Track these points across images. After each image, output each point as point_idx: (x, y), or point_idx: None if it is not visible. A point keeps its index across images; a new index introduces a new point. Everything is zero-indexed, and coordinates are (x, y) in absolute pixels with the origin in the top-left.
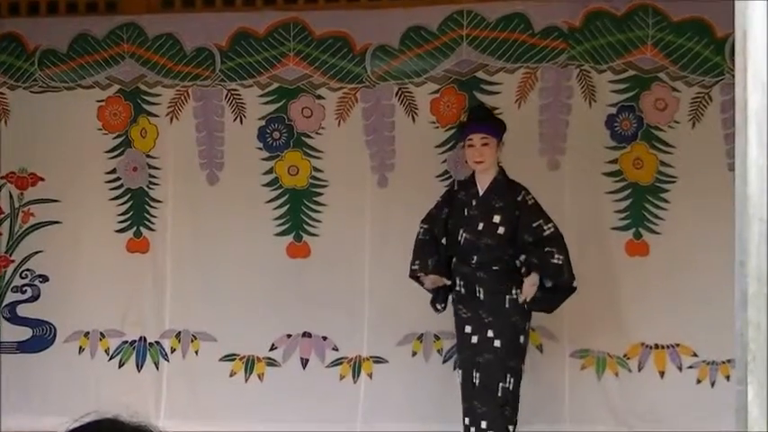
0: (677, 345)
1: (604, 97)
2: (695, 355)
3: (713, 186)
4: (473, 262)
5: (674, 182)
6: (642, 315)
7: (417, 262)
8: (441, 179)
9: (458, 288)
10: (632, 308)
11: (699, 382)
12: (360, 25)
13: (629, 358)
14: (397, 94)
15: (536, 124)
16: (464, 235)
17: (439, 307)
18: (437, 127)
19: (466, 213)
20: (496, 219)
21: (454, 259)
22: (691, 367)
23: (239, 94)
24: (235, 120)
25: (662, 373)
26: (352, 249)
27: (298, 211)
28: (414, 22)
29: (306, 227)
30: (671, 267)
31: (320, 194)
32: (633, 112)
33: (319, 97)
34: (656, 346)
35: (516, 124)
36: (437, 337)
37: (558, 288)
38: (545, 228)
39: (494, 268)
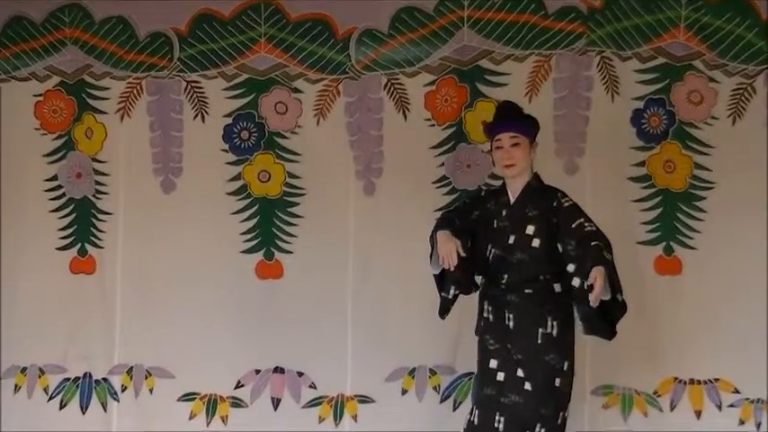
0: (716, 380)
1: (630, 89)
2: (737, 391)
3: (757, 193)
4: (503, 282)
5: (711, 188)
6: (675, 345)
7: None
8: (437, 186)
9: (485, 314)
10: (663, 336)
11: (742, 423)
12: (343, 6)
13: (659, 395)
14: (386, 87)
15: (550, 121)
16: (493, 251)
17: (450, 294)
18: (433, 125)
19: (495, 225)
20: (530, 230)
21: (482, 280)
22: (732, 406)
23: (201, 88)
24: (196, 117)
25: (698, 413)
26: (333, 269)
27: (269, 224)
28: (406, 2)
29: (278, 243)
30: (708, 288)
31: (295, 204)
32: (663, 107)
33: (295, 90)
34: (692, 382)
35: None
36: (433, 372)
37: (613, 303)
38: (586, 225)
39: (526, 291)
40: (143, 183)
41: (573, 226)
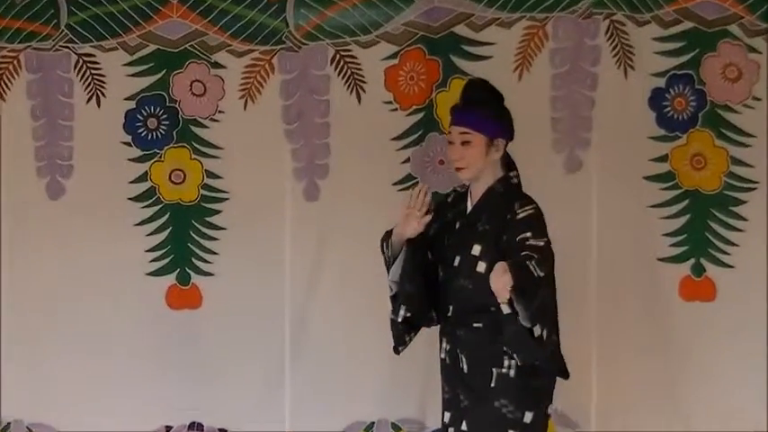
0: None
1: (648, 63)
2: None
3: None
4: (449, 314)
5: (752, 189)
6: (706, 390)
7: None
8: (400, 188)
9: (442, 355)
10: (691, 379)
11: None
12: None
13: None
14: (334, 61)
15: (546, 104)
16: (441, 274)
17: (400, 316)
18: (395, 109)
19: (446, 242)
20: (476, 250)
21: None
22: None
23: (96, 63)
24: (89, 100)
25: None
26: (266, 297)
27: (184, 238)
28: None
29: (196, 263)
30: (748, 318)
31: (217, 213)
32: (691, 85)
33: (216, 65)
34: None
35: (517, 105)
36: (397, 428)
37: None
38: (531, 240)
39: (475, 325)
40: (23, 185)
41: (516, 240)
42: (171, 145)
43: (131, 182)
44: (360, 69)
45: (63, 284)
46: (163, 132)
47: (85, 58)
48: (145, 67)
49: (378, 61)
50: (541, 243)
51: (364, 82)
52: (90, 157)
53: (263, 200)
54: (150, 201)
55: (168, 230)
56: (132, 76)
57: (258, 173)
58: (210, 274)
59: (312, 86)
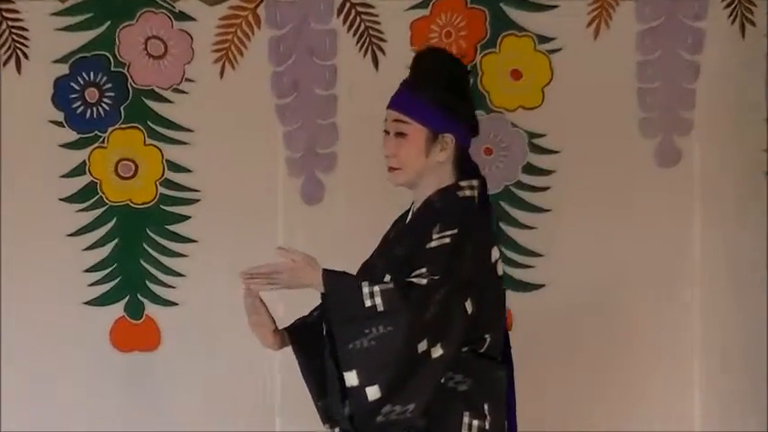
0: None
1: None
2: None
3: None
4: None
5: None
6: None
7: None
8: None
9: None
10: None
11: None
12: None
13: None
14: (342, 11)
15: (632, 73)
16: None
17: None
18: None
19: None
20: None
21: None
22: None
23: (14, 11)
24: (6, 63)
25: None
26: (248, 332)
27: (136, 252)
28: None
29: (152, 287)
30: None
31: (183, 219)
32: None
33: (182, 17)
34: None
35: (593, 73)
36: None
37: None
38: (423, 275)
39: None
40: None
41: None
42: (117, 125)
43: (63, 176)
44: (377, 23)
45: None
46: (106, 108)
47: (2, 9)
48: (82, 17)
49: (402, 12)
50: (424, 281)
51: (383, 40)
52: (6, 141)
53: (246, 202)
54: (89, 202)
55: (114, 243)
56: (64, 30)
57: (240, 165)
58: (173, 304)
59: (312, 46)
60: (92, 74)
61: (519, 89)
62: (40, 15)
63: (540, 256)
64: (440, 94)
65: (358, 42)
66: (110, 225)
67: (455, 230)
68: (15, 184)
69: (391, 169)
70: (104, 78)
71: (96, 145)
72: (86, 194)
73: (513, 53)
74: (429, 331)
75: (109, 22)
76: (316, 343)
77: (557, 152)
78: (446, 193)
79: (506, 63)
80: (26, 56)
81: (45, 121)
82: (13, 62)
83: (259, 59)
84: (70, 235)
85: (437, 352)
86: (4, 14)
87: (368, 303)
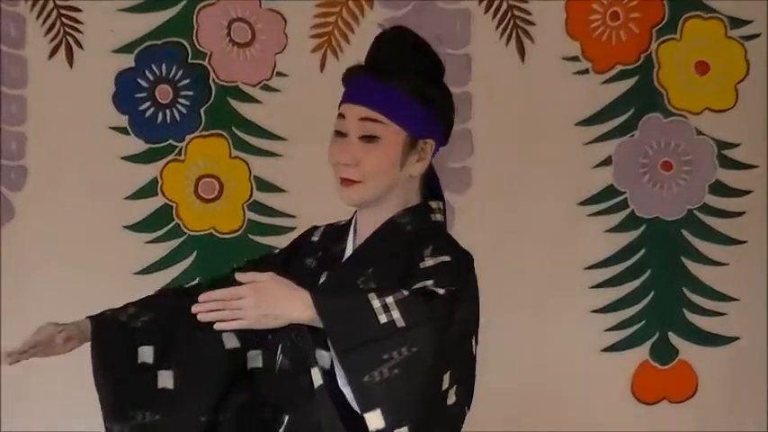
0: None
1: None
2: None
3: None
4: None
5: None
6: None
7: None
8: (592, 210)
9: None
10: None
11: None
12: None
13: None
14: None
15: None
16: (281, 359)
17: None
18: (584, 71)
19: None
20: None
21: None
22: None
23: (70, 1)
24: (55, 54)
25: None
26: None
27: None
28: None
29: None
30: None
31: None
32: None
33: None
34: None
35: None
36: None
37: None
38: (435, 288)
39: None
40: None
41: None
42: (197, 132)
43: (128, 197)
44: (524, 2)
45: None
46: (182, 110)
47: None
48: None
49: None
50: (442, 290)
51: (531, 23)
52: (53, 151)
53: None
54: (162, 230)
55: (195, 283)
56: (127, 11)
57: None
58: None
59: (440, 30)
60: (164, 67)
61: (705, 86)
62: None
63: (734, 300)
64: (421, 85)
65: (499, 26)
66: (189, 260)
67: (455, 253)
68: (67, 207)
69: (348, 182)
70: (180, 73)
71: (171, 158)
72: (159, 221)
73: (699, 40)
74: (450, 361)
75: (185, 2)
76: (122, 349)
77: (754, 167)
78: (416, 214)
79: (690, 53)
80: (80, 44)
81: (105, 128)
82: (62, 52)
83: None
84: (138, 273)
85: (451, 398)
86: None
87: (383, 319)
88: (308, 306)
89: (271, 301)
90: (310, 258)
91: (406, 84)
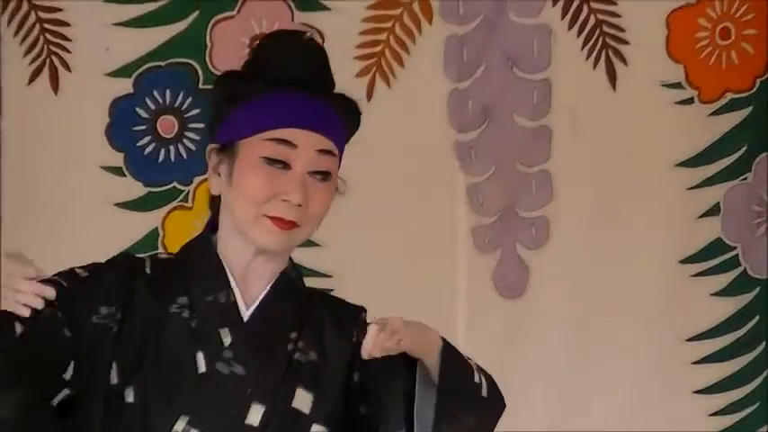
0: None
1: None
2: None
3: None
4: None
5: None
6: None
7: None
8: (697, 270)
9: None
10: None
11: None
12: None
13: None
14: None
15: None
16: None
17: None
18: (688, 100)
19: (199, 370)
20: (302, 401)
21: None
22: None
23: (56, 13)
24: (36, 77)
25: None
26: None
27: None
28: None
29: None
30: None
31: None
32: None
33: (309, 4)
34: None
35: None
36: None
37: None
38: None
39: None
40: None
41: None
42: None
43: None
44: (615, 15)
45: None
46: (191, 147)
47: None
48: (153, 5)
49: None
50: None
51: (624, 42)
52: (33, 198)
53: (413, 291)
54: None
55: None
56: (125, 25)
57: (400, 237)
58: None
59: (513, 50)
60: (168, 94)
61: None
62: (88, 4)
63: None
64: (353, 105)
65: (585, 45)
66: None
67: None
68: (50, 265)
69: (287, 225)
70: (188, 101)
71: (175, 204)
72: None
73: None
74: None
75: (196, 13)
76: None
77: None
78: (295, 266)
79: None
80: (67, 66)
81: (95, 167)
82: (46, 75)
83: (430, 72)
84: None
85: None
86: (37, 8)
87: (476, 379)
88: (439, 343)
89: (419, 335)
90: (174, 305)
91: (341, 104)
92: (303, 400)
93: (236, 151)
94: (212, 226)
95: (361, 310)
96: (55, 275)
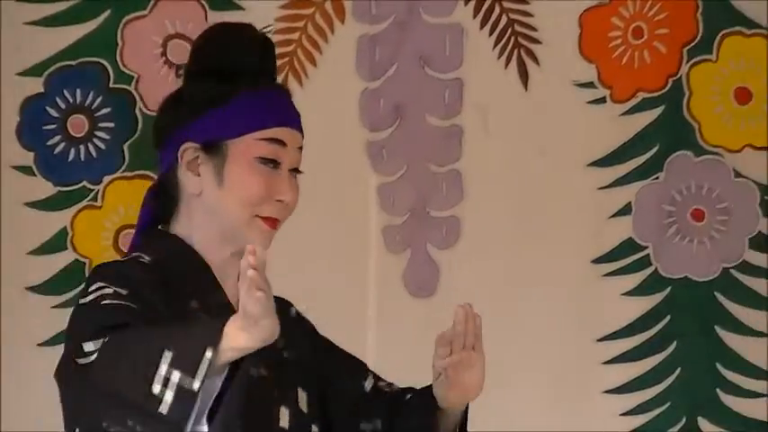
0: None
1: None
2: None
3: None
4: None
5: None
6: None
7: None
8: (608, 269)
9: None
10: None
11: None
12: None
13: None
14: None
15: None
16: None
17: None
18: (600, 100)
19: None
20: (302, 400)
21: None
22: None
23: None
24: None
25: None
26: None
27: None
28: None
29: None
30: None
31: None
32: None
33: (222, 4)
34: None
35: None
36: None
37: None
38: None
39: None
40: None
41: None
42: (118, 173)
43: (31, 252)
44: (527, 14)
45: None
46: (101, 146)
47: None
48: (65, 4)
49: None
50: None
51: (536, 41)
52: None
53: (326, 290)
54: (73, 292)
55: None
56: (35, 24)
57: (313, 234)
58: None
59: (425, 50)
60: (79, 93)
61: (747, 118)
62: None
63: None
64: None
65: (497, 44)
66: None
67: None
68: None
69: (276, 224)
70: (99, 100)
71: (85, 203)
72: (69, 281)
73: (740, 62)
74: None
75: (108, 12)
76: None
77: None
78: None
79: (728, 78)
80: None
81: (6, 167)
82: None
83: (342, 71)
84: (44, 344)
85: None
86: None
87: None
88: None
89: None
90: (188, 309)
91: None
92: (303, 400)
93: (226, 151)
94: (147, 220)
95: (290, 303)
96: (108, 302)
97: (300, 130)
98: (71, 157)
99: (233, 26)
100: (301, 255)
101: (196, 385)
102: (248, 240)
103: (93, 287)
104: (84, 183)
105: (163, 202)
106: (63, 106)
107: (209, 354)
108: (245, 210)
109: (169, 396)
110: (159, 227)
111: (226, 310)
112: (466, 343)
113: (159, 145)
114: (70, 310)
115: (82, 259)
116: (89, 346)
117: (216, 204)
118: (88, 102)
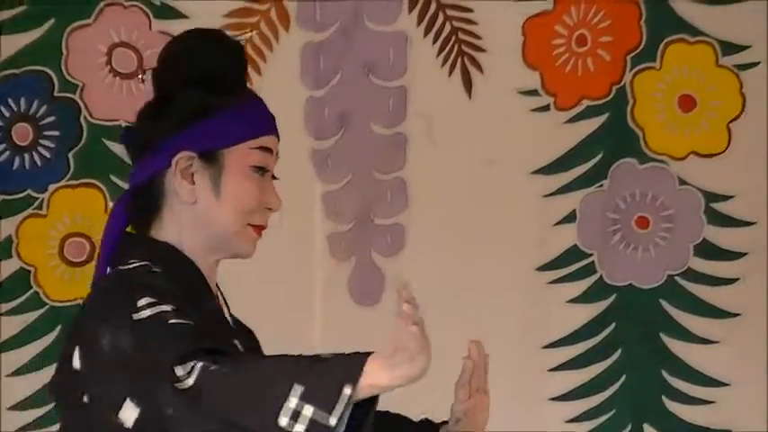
0: None
1: None
2: None
3: None
4: None
5: None
6: None
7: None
8: (550, 278)
9: None
10: None
11: None
12: None
13: None
14: (417, 5)
15: None
16: None
17: None
18: (544, 108)
19: None
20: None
21: None
22: None
23: None
24: None
25: None
26: None
27: None
28: None
29: None
30: None
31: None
32: None
33: (166, 12)
34: None
35: None
36: None
37: None
38: None
39: None
40: None
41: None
42: (64, 181)
43: None
44: (471, 22)
45: None
46: (46, 154)
47: None
48: (8, 13)
49: (510, 6)
50: None
51: (481, 50)
52: None
53: (275, 294)
54: (18, 300)
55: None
56: None
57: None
58: None
59: (369, 57)
60: (23, 101)
61: (691, 126)
62: None
63: (725, 385)
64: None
65: (441, 52)
66: (52, 336)
67: None
68: None
69: (261, 231)
70: (43, 108)
71: (29, 212)
72: (13, 289)
73: (683, 70)
74: None
75: (52, 21)
76: None
77: (750, 224)
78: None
79: (672, 85)
80: None
81: None
82: None
83: (287, 79)
84: None
85: None
86: None
87: None
88: None
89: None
90: (211, 302)
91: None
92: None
93: (222, 161)
94: (121, 226)
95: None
96: (175, 321)
97: (275, 131)
98: (16, 165)
99: (211, 33)
100: (246, 262)
101: (333, 421)
102: (237, 248)
103: (141, 302)
104: (29, 191)
105: (139, 208)
106: (7, 115)
107: (347, 390)
108: (240, 218)
109: (300, 429)
110: (132, 233)
111: (221, 315)
112: (479, 385)
113: (141, 153)
114: (16, 317)
115: (27, 267)
116: (179, 371)
117: (210, 213)
118: (33, 110)
